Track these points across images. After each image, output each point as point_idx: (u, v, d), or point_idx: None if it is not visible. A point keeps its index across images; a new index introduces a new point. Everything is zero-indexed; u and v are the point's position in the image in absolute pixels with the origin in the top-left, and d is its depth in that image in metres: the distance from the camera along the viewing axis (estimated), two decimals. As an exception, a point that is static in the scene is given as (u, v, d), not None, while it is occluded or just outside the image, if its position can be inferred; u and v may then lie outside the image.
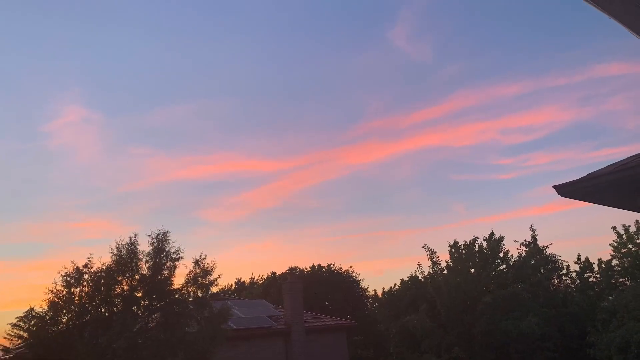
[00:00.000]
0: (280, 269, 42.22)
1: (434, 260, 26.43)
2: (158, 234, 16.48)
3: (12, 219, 39.75)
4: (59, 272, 15.23)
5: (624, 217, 30.70)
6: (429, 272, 26.87)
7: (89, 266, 15.50)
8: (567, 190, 7.15)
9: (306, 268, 38.75)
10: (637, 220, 25.04)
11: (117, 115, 40.19)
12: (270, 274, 42.07)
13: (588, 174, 7.01)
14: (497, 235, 26.25)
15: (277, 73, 40.83)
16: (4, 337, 14.88)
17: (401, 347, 25.37)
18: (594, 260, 26.66)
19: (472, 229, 55.67)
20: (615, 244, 26.05)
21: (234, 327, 19.87)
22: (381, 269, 58.70)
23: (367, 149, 46.85)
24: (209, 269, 16.81)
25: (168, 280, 16.22)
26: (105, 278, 15.41)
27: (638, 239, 25.23)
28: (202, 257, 16.89)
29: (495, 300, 22.98)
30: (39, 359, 14.55)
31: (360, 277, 39.37)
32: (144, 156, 41.38)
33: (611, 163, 7.04)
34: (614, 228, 25.99)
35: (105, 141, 41.21)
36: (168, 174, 44.60)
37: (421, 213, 54.10)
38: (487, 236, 26.40)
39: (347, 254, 62.12)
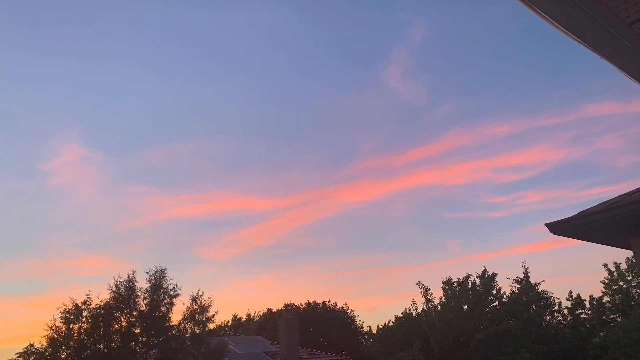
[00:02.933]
0: (276, 305, 42.11)
1: (428, 297, 26.70)
2: (156, 271, 16.69)
3: (12, 257, 39.56)
4: (58, 309, 15.35)
5: (615, 255, 31.10)
6: (423, 308, 27.08)
7: (87, 303, 15.62)
8: (559, 228, 7.41)
9: (302, 305, 38.66)
10: (627, 258, 25.41)
11: (115, 154, 40.36)
12: (266, 310, 42.22)
13: (580, 212, 7.25)
14: (490, 273, 26.57)
15: (273, 113, 41.37)
16: (4, 374, 14.88)
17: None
18: (585, 297, 26.94)
19: (465, 266, 55.74)
20: (607, 281, 26.36)
21: (230, 364, 19.81)
22: (376, 306, 58.29)
23: (361, 188, 47.18)
24: (206, 305, 16.98)
25: (166, 316, 16.34)
26: (104, 315, 15.51)
27: (629, 276, 25.55)
28: (199, 294, 17.09)
29: (488, 337, 23.10)
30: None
31: (355, 313, 39.33)
32: (142, 194, 41.49)
33: (602, 201, 7.30)
34: (605, 265, 26.38)
35: (104, 180, 41.39)
36: (166, 212, 44.68)
37: (415, 250, 54.07)
38: (480, 273, 26.70)
39: (342, 290, 61.78)
